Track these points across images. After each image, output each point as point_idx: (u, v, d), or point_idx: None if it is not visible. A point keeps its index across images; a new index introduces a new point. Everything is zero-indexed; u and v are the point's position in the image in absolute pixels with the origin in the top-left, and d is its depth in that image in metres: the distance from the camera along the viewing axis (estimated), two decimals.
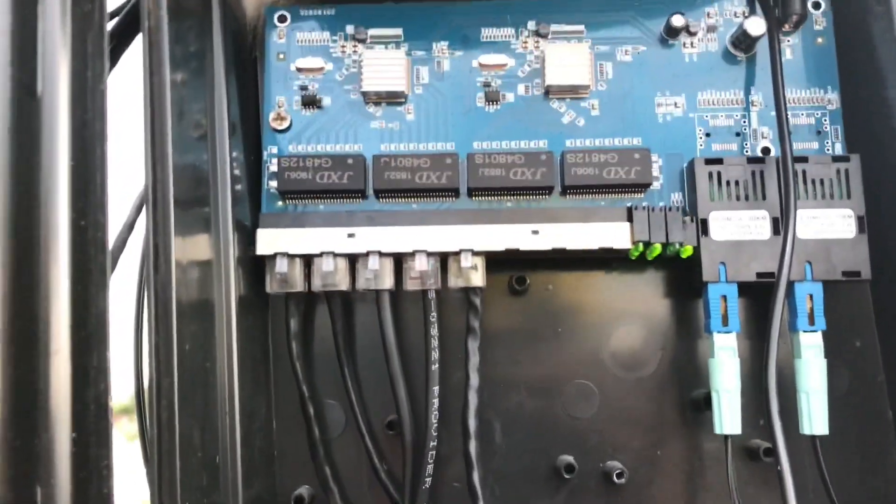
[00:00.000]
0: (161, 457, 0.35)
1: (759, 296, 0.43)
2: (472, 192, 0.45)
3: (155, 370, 0.35)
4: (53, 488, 0.29)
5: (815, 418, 0.42)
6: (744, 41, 0.46)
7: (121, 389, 0.47)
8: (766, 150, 0.45)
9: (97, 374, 0.31)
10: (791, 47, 0.47)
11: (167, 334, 0.36)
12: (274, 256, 0.43)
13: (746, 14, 0.47)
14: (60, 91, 0.33)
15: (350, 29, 0.47)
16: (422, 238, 0.43)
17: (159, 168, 0.38)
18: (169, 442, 0.35)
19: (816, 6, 0.47)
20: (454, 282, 0.44)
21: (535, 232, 0.43)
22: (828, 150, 0.45)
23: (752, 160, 0.44)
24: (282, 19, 0.48)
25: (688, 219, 0.44)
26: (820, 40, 0.47)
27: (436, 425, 0.43)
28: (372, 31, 0.47)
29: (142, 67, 0.38)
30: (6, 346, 0.29)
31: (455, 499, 0.45)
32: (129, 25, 0.46)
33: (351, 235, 0.43)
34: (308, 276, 0.44)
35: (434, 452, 0.43)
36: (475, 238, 0.43)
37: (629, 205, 0.44)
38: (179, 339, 0.36)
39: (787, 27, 0.46)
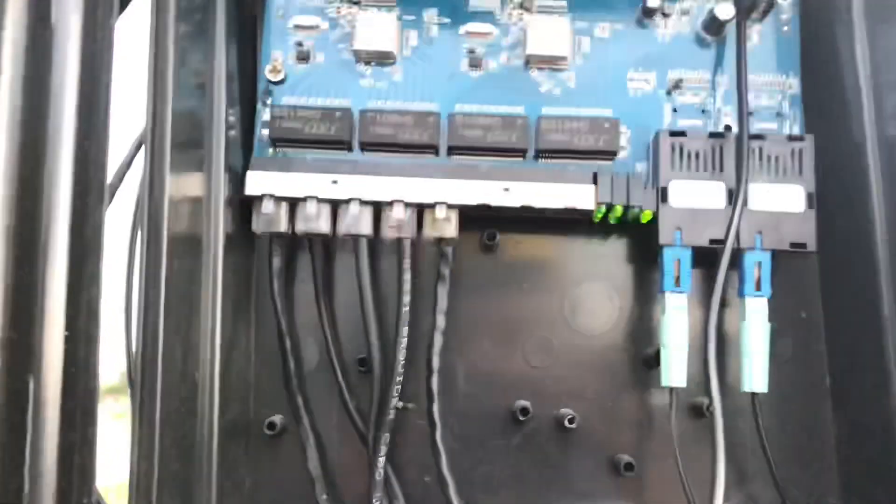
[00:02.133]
0: (144, 369, 0.38)
1: (713, 264, 0.46)
2: (451, 151, 0.48)
3: (143, 290, 0.38)
4: (44, 380, 0.32)
5: (756, 377, 0.45)
6: (713, 25, 0.49)
7: (107, 369, 0.50)
8: (728, 128, 0.48)
9: (90, 280, 0.34)
10: (758, 34, 0.50)
11: (157, 261, 0.39)
12: (261, 197, 0.46)
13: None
14: (72, 22, 0.36)
15: None
16: (400, 188, 0.46)
17: (159, 110, 0.41)
18: (152, 355, 0.38)
19: None
20: (429, 232, 0.47)
21: (507, 189, 0.46)
22: (786, 130, 0.49)
23: (714, 135, 0.47)
24: None
25: (649, 185, 0.47)
26: (785, 29, 0.50)
27: (403, 363, 0.46)
28: None
29: (148, 15, 0.41)
30: (8, 249, 0.32)
31: (417, 433, 0.48)
32: None
33: (334, 182, 0.46)
34: (292, 218, 0.47)
35: (400, 387, 0.46)
36: (450, 191, 0.46)
37: (595, 171, 0.47)
38: (168, 266, 0.39)
39: (755, 15, 0.49)
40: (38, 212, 0.33)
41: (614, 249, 0.51)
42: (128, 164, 0.49)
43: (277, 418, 0.48)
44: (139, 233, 0.42)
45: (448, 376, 0.49)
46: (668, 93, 0.49)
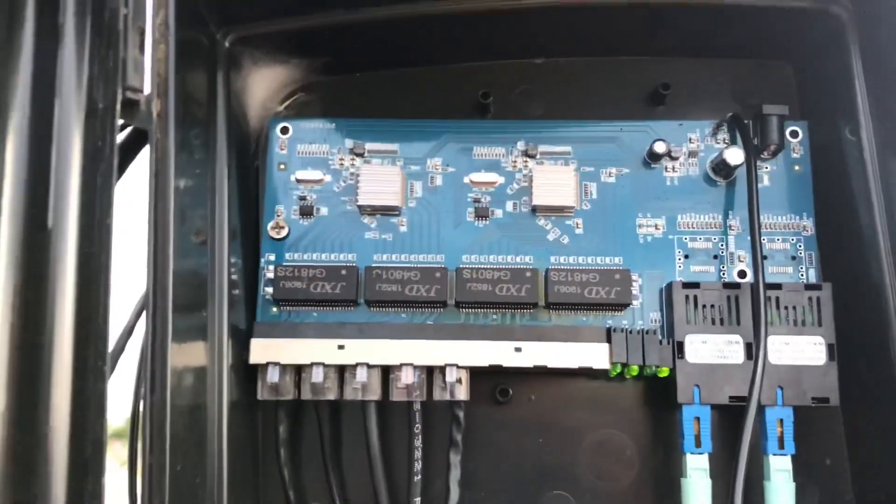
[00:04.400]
0: None
1: (733, 416, 0.45)
2: (459, 305, 0.47)
3: (147, 464, 0.36)
4: None
5: None
6: (723, 169, 0.48)
7: (117, 408, 0.49)
8: (742, 274, 0.47)
9: (91, 500, 0.33)
10: (769, 174, 0.49)
11: (160, 455, 0.37)
12: (266, 365, 0.45)
13: (727, 141, 0.49)
14: (69, 225, 0.35)
15: (349, 143, 0.50)
16: (408, 352, 0.45)
17: (160, 275, 0.40)
18: None
19: (794, 135, 0.49)
20: (439, 394, 0.45)
21: (518, 349, 0.45)
22: (802, 275, 0.47)
23: (728, 286, 0.46)
24: (284, 131, 0.50)
25: (664, 341, 0.45)
26: (797, 168, 0.49)
27: None
28: (369, 146, 0.49)
29: (147, 176, 0.40)
30: (8, 463, 0.31)
31: None
32: (137, 135, 0.49)
33: (341, 347, 0.45)
34: (298, 383, 0.46)
35: None
36: (460, 354, 0.45)
37: (609, 324, 0.46)
38: (172, 458, 0.38)
39: (765, 154, 0.48)
40: (36, 427, 0.32)
41: (631, 399, 0.49)
42: (129, 331, 0.48)
43: None
44: (142, 404, 0.41)
45: None
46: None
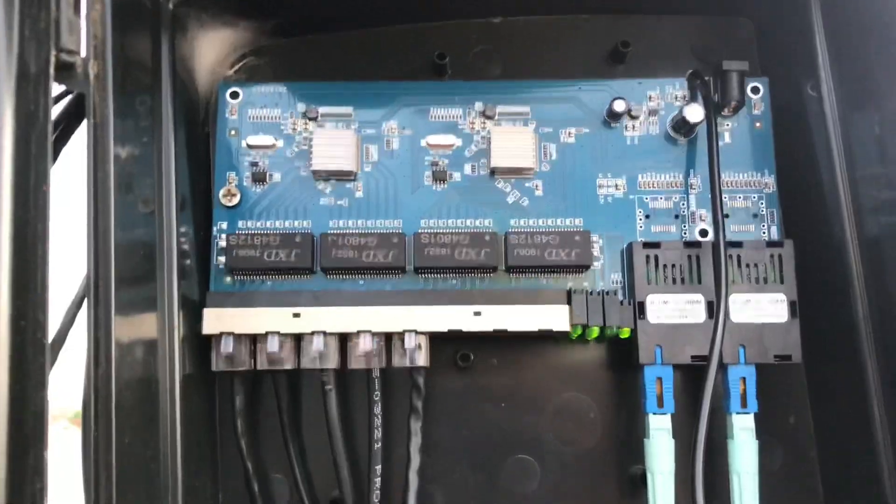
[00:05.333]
0: None
1: (696, 376, 0.44)
2: (418, 270, 0.46)
3: (94, 443, 0.35)
4: None
5: (746, 499, 0.43)
6: (683, 126, 0.47)
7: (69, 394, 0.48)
8: (703, 233, 0.47)
9: (34, 475, 0.32)
10: (730, 131, 0.48)
11: (107, 429, 0.36)
12: (220, 336, 0.44)
13: (687, 98, 0.48)
14: (3, 192, 0.33)
15: (301, 107, 0.48)
16: (366, 318, 0.44)
17: (101, 246, 0.38)
18: None
19: (755, 91, 0.48)
20: (398, 361, 0.44)
21: (478, 313, 0.44)
22: (764, 232, 0.47)
23: (689, 244, 0.45)
24: (234, 96, 0.48)
25: (625, 301, 0.45)
26: (758, 125, 0.48)
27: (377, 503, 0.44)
28: (322, 109, 0.48)
29: (85, 147, 0.39)
30: None
31: None
32: (80, 102, 0.47)
33: (296, 315, 0.44)
34: (254, 353, 0.45)
35: None
36: (419, 319, 0.44)
37: (570, 286, 0.46)
38: (119, 432, 0.37)
39: (726, 111, 0.48)
40: None
41: (594, 361, 0.49)
42: (78, 304, 0.46)
43: None
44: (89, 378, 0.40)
45: None
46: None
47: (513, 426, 0.48)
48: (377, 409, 0.45)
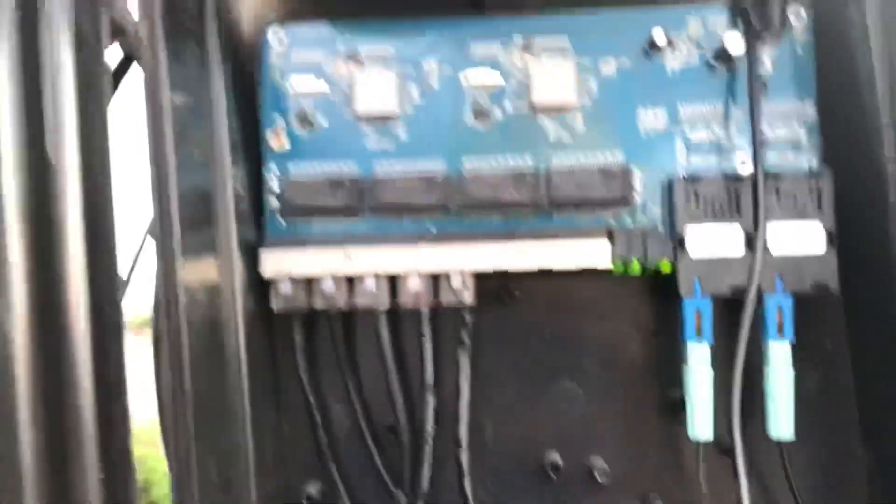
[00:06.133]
0: (178, 458, 0.39)
1: (735, 309, 0.45)
2: (461, 210, 0.47)
3: (170, 378, 0.39)
4: None
5: (781, 424, 0.45)
6: (723, 55, 0.47)
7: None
8: (743, 164, 0.47)
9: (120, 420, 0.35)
10: (771, 59, 0.48)
11: (178, 348, 0.39)
12: (277, 279, 0.46)
13: (727, 26, 0.48)
14: (71, 160, 0.35)
15: (342, 48, 0.49)
16: (413, 259, 0.46)
17: (163, 196, 0.41)
18: (186, 466, 0.39)
19: (797, 16, 0.48)
20: (446, 298, 0.47)
21: (522, 252, 0.46)
22: (804, 162, 0.47)
23: (729, 177, 0.46)
24: (278, 39, 0.49)
25: (666, 236, 0.46)
26: (799, 51, 0.48)
27: (431, 433, 0.47)
28: (364, 50, 0.49)
29: (143, 95, 0.41)
30: (38, 407, 0.33)
31: (452, 496, 0.49)
32: (124, 57, 0.48)
33: (348, 257, 0.46)
34: (310, 294, 0.47)
35: (430, 458, 0.47)
36: (464, 258, 0.46)
37: (611, 221, 0.47)
38: (192, 369, 0.40)
39: (766, 38, 0.47)
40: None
41: (636, 292, 0.50)
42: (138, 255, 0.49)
43: (314, 490, 0.50)
44: (160, 320, 0.43)
45: (477, 433, 0.49)
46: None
47: (556, 357, 0.50)
48: (427, 345, 0.47)
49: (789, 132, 0.47)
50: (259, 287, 0.47)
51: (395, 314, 0.48)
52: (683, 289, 0.46)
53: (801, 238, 0.45)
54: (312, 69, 0.49)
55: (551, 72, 0.47)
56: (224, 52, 0.47)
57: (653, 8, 0.48)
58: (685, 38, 0.48)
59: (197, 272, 0.43)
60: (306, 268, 0.46)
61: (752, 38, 0.46)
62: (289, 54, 0.49)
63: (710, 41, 0.48)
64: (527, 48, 0.48)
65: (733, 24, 0.48)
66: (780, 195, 0.46)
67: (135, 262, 0.49)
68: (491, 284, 0.50)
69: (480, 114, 0.48)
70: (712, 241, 0.46)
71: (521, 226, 0.47)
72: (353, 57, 0.48)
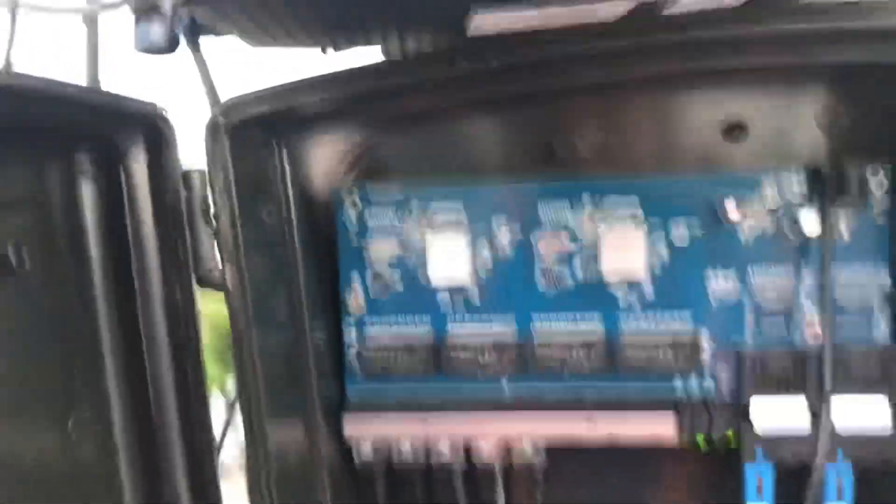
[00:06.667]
0: None
1: (796, 471, 0.47)
2: (531, 372, 0.49)
3: None
4: None
5: None
6: (798, 228, 0.47)
7: None
8: (812, 335, 0.47)
9: None
10: (847, 226, 0.47)
11: None
12: (359, 438, 0.50)
13: (805, 196, 0.47)
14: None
15: (415, 209, 0.50)
16: (486, 423, 0.49)
17: (246, 362, 0.45)
18: None
19: (877, 182, 0.47)
20: (517, 460, 0.49)
21: (589, 420, 0.48)
22: (877, 334, 0.47)
23: (796, 349, 0.47)
24: (352, 200, 0.50)
25: (730, 406, 0.48)
26: (878, 219, 0.47)
27: None
28: (437, 215, 0.50)
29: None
30: None
31: None
32: None
33: (424, 421, 0.49)
34: (389, 452, 0.50)
35: None
36: (535, 425, 0.49)
37: (678, 391, 0.48)
38: None
39: (843, 205, 0.46)
40: None
41: (699, 466, 0.52)
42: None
43: None
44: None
45: None
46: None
47: None
48: (501, 502, 0.50)
49: (862, 300, 0.47)
50: (342, 444, 0.51)
51: (471, 472, 0.51)
52: (746, 457, 0.47)
53: (866, 413, 0.46)
54: (386, 231, 0.50)
55: (621, 241, 0.48)
56: (300, 212, 0.48)
57: (727, 173, 0.48)
58: (758, 203, 0.47)
59: (282, 432, 0.47)
60: (385, 430, 0.50)
61: (827, 205, 0.46)
62: (363, 215, 0.50)
63: (785, 207, 0.47)
64: (597, 213, 0.49)
65: (809, 191, 0.47)
66: (849, 368, 0.46)
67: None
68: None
69: (550, 276, 0.49)
70: (777, 414, 0.47)
71: (587, 390, 0.49)
72: (426, 221, 0.50)
